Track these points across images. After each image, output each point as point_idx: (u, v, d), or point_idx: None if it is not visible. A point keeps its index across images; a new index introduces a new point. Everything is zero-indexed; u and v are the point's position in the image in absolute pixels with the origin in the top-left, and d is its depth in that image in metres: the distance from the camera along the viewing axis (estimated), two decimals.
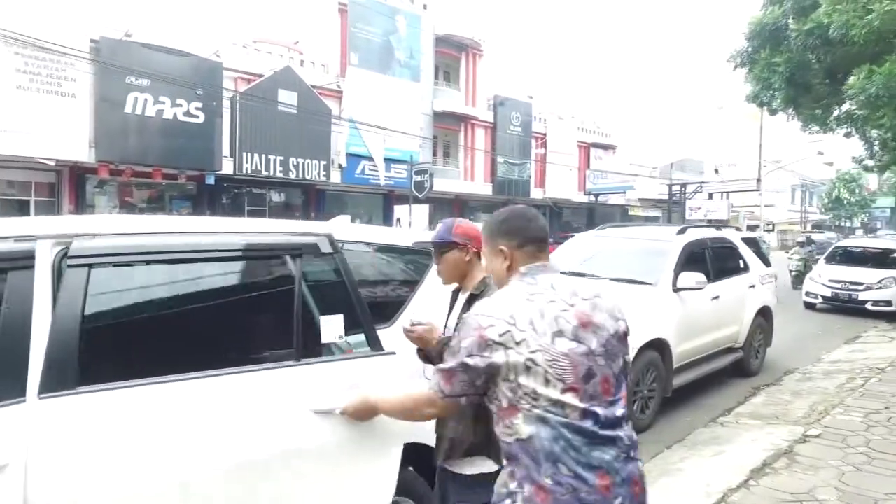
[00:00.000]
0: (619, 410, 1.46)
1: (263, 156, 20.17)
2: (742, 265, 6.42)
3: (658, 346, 4.82)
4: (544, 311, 1.43)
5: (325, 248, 2.01)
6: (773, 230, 33.73)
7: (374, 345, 2.02)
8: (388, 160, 23.78)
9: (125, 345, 1.75)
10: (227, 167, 19.52)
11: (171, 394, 1.69)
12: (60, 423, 1.51)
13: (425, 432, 2.33)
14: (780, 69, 10.43)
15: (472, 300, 1.94)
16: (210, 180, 19.65)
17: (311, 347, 1.93)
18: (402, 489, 2.38)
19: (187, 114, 17.94)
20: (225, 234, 1.94)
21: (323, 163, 21.75)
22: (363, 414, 1.90)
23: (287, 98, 20.25)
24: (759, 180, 30.78)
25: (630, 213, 35.89)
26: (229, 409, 1.77)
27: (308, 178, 21.48)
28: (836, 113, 12.45)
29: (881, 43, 8.33)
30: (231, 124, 19.47)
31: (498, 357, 1.39)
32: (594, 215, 32.28)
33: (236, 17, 31.99)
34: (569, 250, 6.51)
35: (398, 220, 23.04)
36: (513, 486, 1.42)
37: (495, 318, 1.42)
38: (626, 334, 1.58)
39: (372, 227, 3.09)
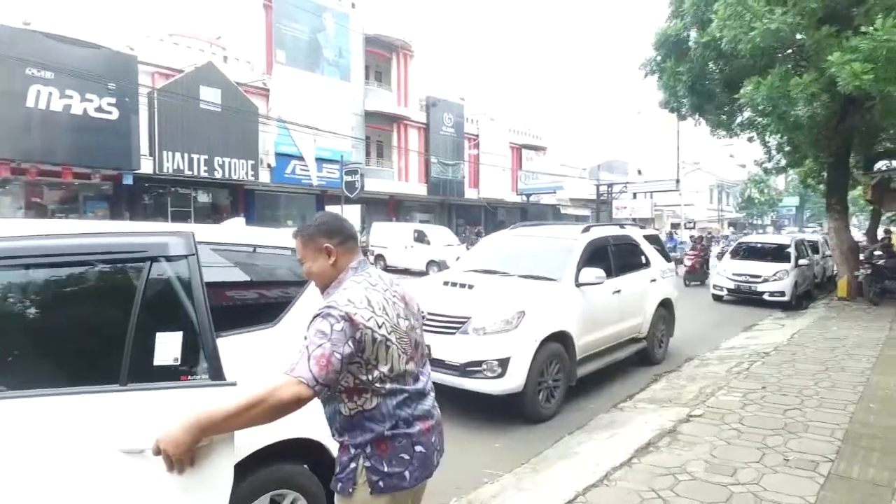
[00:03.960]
0: (428, 367, 1.90)
1: (186, 155, 19.32)
2: (644, 261, 6.85)
3: (561, 338, 5.08)
4: (387, 298, 1.73)
5: (177, 250, 1.74)
6: (693, 227, 35.88)
7: (216, 373, 1.68)
8: (320, 160, 23.42)
9: None
10: (147, 166, 18.56)
11: None
12: None
13: (314, 427, 2.26)
14: (684, 78, 11.17)
15: None
16: (128, 180, 18.60)
17: (140, 371, 1.64)
18: (288, 482, 2.43)
19: (99, 109, 16.90)
20: (52, 237, 1.77)
21: (251, 162, 21.11)
22: (186, 444, 1.46)
23: (210, 95, 19.51)
24: (678, 181, 32.63)
25: (562, 212, 37.12)
26: (26, 437, 1.52)
27: (235, 178, 20.79)
28: (739, 119, 13.45)
29: (765, 57, 9.11)
30: (150, 122, 18.53)
31: (367, 340, 1.59)
32: (527, 215, 33.14)
33: (151, 9, 30.43)
34: (482, 249, 6.72)
35: None
36: (354, 451, 1.66)
37: (357, 306, 1.60)
38: (421, 311, 2.00)
39: (263, 229, 3.01)
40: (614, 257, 6.20)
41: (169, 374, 1.67)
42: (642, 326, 6.63)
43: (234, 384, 1.66)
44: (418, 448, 1.70)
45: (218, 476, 1.60)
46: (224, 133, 19.93)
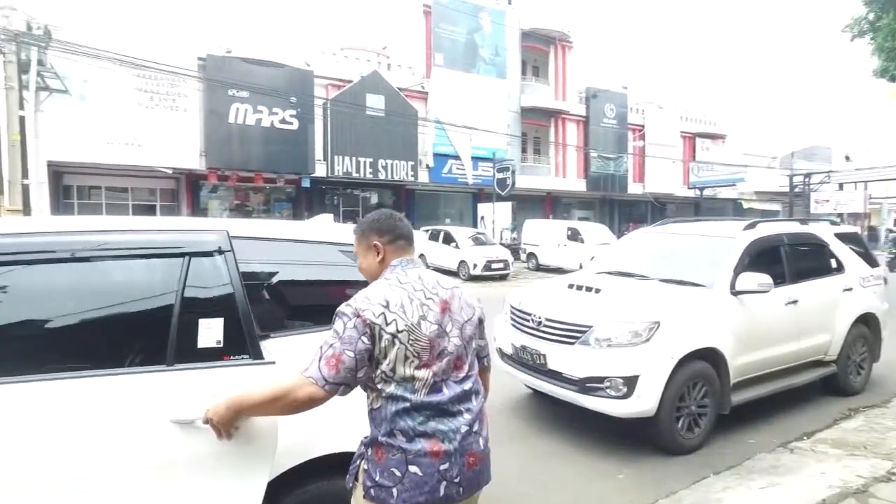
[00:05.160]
0: (468, 384, 1.68)
1: (354, 158, 21.00)
2: (834, 265, 5.48)
3: (710, 357, 4.24)
4: (412, 297, 1.64)
5: (211, 246, 1.91)
6: None
7: (255, 353, 1.85)
8: (476, 159, 23.74)
9: None
10: (321, 170, 20.57)
11: (30, 392, 1.66)
12: None
13: (349, 441, 2.18)
14: None
15: None
16: (305, 183, 20.84)
17: (186, 353, 1.81)
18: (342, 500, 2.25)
19: (282, 121, 19.17)
20: (104, 232, 1.91)
21: (410, 163, 22.20)
22: (226, 418, 1.65)
23: (375, 102, 20.92)
24: None
25: (744, 207, 32.82)
26: (87, 413, 1.70)
27: (397, 178, 22.03)
28: None
29: None
30: (323, 129, 20.51)
31: (375, 338, 1.55)
32: (700, 210, 29.91)
33: (326, 27, 33.63)
34: (619, 248, 5.98)
35: (482, 218, 22.91)
36: (362, 448, 1.67)
37: (371, 303, 1.58)
38: (481, 321, 1.81)
39: (342, 226, 2.91)
40: (789, 260, 5.04)
41: (212, 356, 1.82)
42: (830, 347, 5.32)
43: (272, 363, 1.83)
44: (412, 468, 1.54)
45: (258, 454, 1.77)
46: (387, 136, 21.24)
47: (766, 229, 5.12)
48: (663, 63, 57.20)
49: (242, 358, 1.84)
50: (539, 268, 18.96)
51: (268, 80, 18.51)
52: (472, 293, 1.82)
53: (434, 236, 18.00)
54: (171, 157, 17.78)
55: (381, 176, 21.64)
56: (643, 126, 29.60)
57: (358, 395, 1.75)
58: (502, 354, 4.92)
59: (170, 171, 18.58)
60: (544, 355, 4.31)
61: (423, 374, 1.58)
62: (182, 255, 1.88)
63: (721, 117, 33.40)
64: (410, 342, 1.57)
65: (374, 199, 23.71)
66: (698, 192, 30.15)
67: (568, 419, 4.80)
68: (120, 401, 1.72)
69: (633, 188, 29.58)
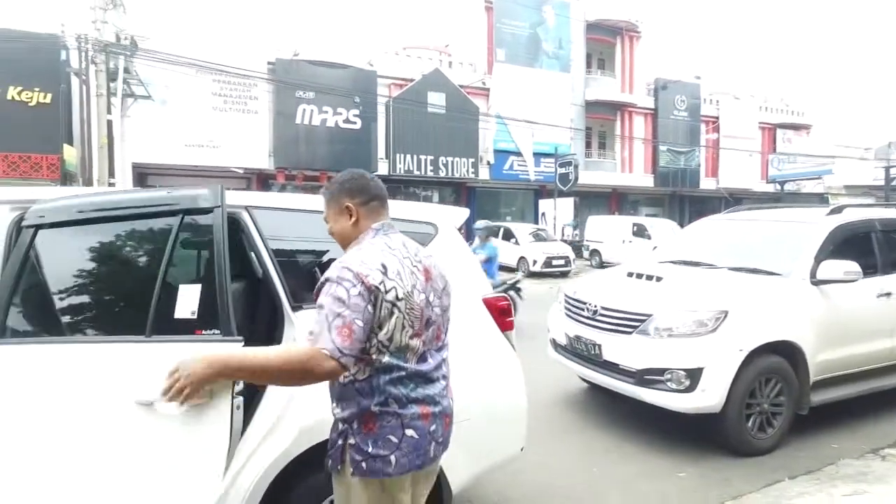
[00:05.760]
0: (445, 353, 1.68)
1: (415, 156, 21.19)
2: None
3: (786, 351, 3.87)
4: (404, 264, 1.57)
5: (206, 202, 1.73)
6: None
7: (225, 329, 1.63)
8: (538, 154, 23.33)
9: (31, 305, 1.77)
10: (383, 168, 20.89)
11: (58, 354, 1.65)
12: None
13: None
14: None
15: None
16: None
17: (162, 323, 1.65)
18: None
19: (346, 121, 19.63)
20: (103, 194, 1.90)
21: (471, 160, 22.13)
22: (203, 376, 1.44)
23: (436, 99, 21.02)
24: None
25: (831, 202, 30.33)
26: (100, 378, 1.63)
27: (457, 176, 22.03)
28: None
29: None
30: (385, 128, 20.82)
31: (377, 303, 1.46)
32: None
33: (389, 27, 34.17)
34: (684, 237, 5.61)
35: (543, 214, 22.48)
36: (342, 426, 1.54)
37: (369, 267, 1.48)
38: (450, 292, 1.74)
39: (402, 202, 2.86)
40: (883, 249, 4.53)
41: (185, 328, 1.65)
42: None
43: (240, 340, 1.62)
44: (409, 432, 1.52)
45: (214, 438, 1.58)
46: (447, 134, 21.28)
47: (855, 214, 4.63)
48: (740, 51, 53.79)
49: (213, 333, 1.66)
50: (602, 265, 18.34)
51: (333, 80, 19.02)
52: (440, 262, 1.77)
53: (494, 232, 17.82)
54: (243, 157, 18.64)
55: (442, 173, 21.70)
56: (717, 118, 28.01)
57: None
58: (556, 345, 4.73)
59: (241, 171, 19.49)
60: (599, 345, 4.09)
61: (415, 343, 1.54)
62: (176, 213, 1.73)
63: (806, 107, 31.06)
64: (407, 311, 1.51)
65: (435, 196, 23.81)
66: (778, 186, 28.18)
67: (624, 413, 4.55)
68: (97, 371, 1.63)
69: (706, 183, 28.07)
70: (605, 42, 26.42)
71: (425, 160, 21.36)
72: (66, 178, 14.97)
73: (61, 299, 1.78)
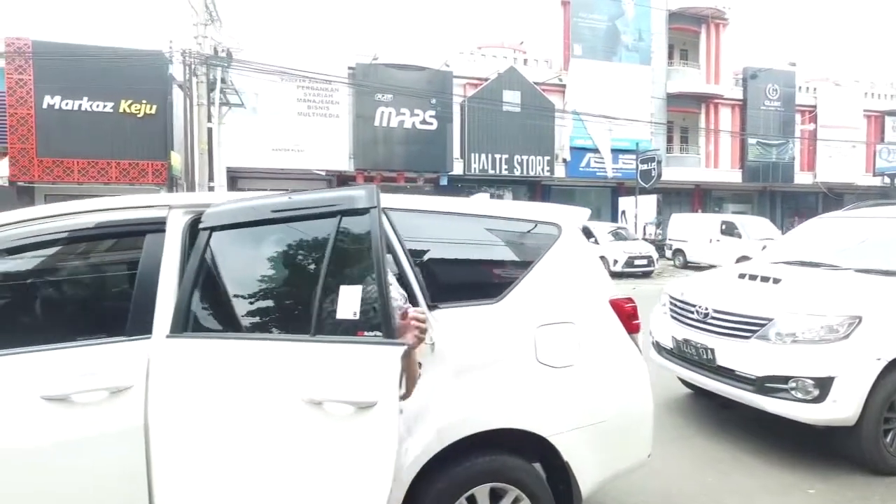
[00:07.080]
0: None
1: (490, 155, 21.19)
2: None
3: None
4: None
5: (362, 203, 1.70)
6: None
7: (388, 332, 1.62)
8: (616, 151, 22.66)
9: (219, 303, 1.92)
10: (458, 168, 21.06)
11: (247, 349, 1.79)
12: (179, 358, 1.79)
13: (536, 418, 2.19)
14: None
15: None
16: (443, 181, 21.48)
17: (326, 323, 1.68)
18: (509, 477, 2.22)
19: (423, 122, 19.94)
20: (261, 198, 1.96)
21: (546, 158, 21.84)
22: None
23: (511, 98, 20.91)
24: None
25: None
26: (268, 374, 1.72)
27: (532, 174, 21.81)
28: None
29: None
30: (460, 128, 20.95)
31: None
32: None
33: (465, 27, 34.25)
34: (798, 236, 5.24)
35: (623, 212, 21.80)
36: None
37: None
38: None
39: (500, 202, 2.86)
40: None
41: (347, 329, 1.67)
42: None
43: (403, 345, 1.63)
44: None
45: (383, 440, 1.60)
46: (522, 132, 21.11)
47: None
48: (842, 32, 49.35)
49: (375, 335, 1.65)
50: (687, 265, 17.52)
51: (410, 83, 19.37)
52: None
53: None
54: (325, 160, 19.38)
55: (517, 172, 21.56)
56: (814, 107, 25.99)
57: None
58: (660, 348, 4.57)
59: (323, 174, 20.27)
60: (712, 350, 3.91)
61: None
62: (335, 214, 1.75)
63: None
64: None
65: (509, 195, 23.67)
66: (887, 179, 25.74)
67: (735, 422, 4.33)
68: (265, 369, 1.72)
69: (801, 178, 26.12)
70: (688, 31, 25.19)
71: (500, 159, 21.30)
72: (171, 183, 16.25)
73: (234, 297, 1.93)
